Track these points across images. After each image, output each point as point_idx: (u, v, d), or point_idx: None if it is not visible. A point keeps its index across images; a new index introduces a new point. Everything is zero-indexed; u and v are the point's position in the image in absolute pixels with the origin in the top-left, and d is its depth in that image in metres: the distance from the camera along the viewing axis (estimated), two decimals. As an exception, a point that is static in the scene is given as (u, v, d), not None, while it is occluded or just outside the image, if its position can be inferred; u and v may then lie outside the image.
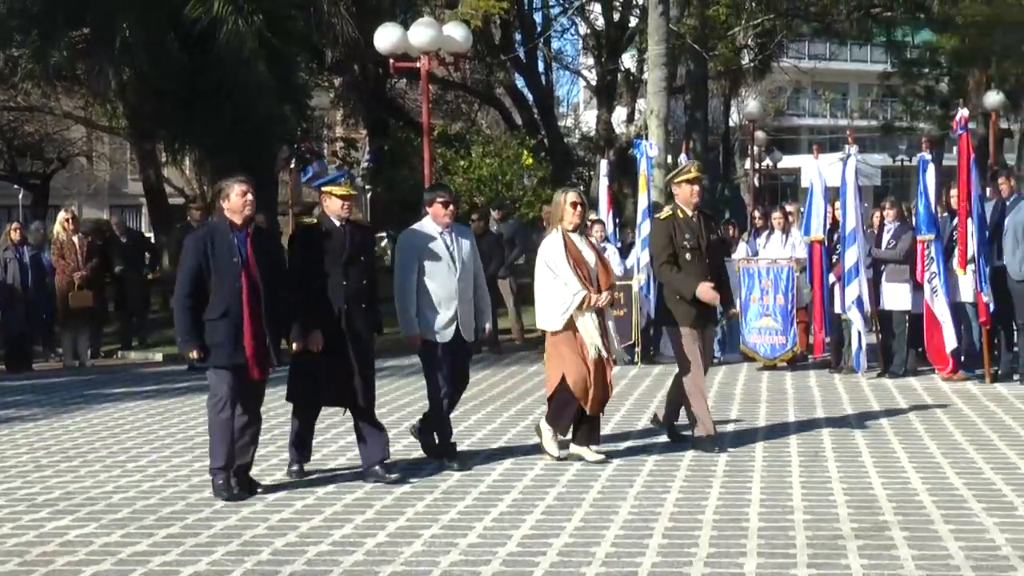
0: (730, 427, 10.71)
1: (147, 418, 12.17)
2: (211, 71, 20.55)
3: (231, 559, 6.75)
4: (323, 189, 8.91)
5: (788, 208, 16.18)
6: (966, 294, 13.25)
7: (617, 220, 19.70)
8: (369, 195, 35.61)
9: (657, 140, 19.13)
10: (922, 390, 12.80)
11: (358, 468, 8.92)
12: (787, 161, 53.29)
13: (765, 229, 16.01)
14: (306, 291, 8.51)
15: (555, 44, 36.00)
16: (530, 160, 27.16)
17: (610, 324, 9.41)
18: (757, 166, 37.43)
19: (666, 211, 9.84)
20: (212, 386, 8.28)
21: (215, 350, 8.14)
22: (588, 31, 33.58)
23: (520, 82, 32.96)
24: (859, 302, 13.63)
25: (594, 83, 34.47)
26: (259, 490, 8.43)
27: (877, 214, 14.46)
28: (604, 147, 29.28)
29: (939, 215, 13.68)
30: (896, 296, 13.88)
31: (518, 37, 31.44)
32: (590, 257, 9.24)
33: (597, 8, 32.58)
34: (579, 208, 9.21)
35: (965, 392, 12.62)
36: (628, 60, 33.76)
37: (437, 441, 9.37)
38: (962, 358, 13.48)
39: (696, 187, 9.70)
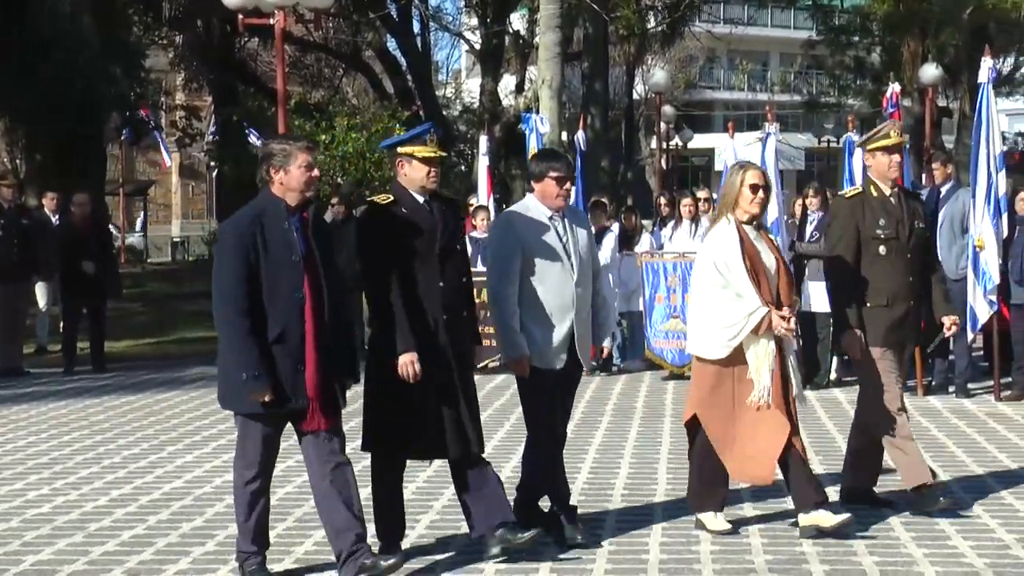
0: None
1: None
2: (24, 23, 20.15)
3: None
4: (399, 150, 7.25)
5: (699, 195, 16.32)
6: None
7: (504, 207, 19.72)
8: (215, 173, 35.29)
9: (549, 114, 19.25)
10: (847, 404, 12.97)
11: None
12: (698, 140, 53.98)
13: (672, 218, 16.16)
14: (387, 298, 7.08)
15: (433, 0, 36.00)
16: (403, 135, 27.12)
17: (791, 356, 7.96)
18: (664, 146, 37.83)
19: (854, 188, 8.86)
20: (243, 441, 6.85)
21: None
22: (471, -14, 33.67)
23: (392, 44, 32.91)
24: (777, 303, 13.78)
25: (478, 47, 34.54)
26: None
27: (799, 202, 14.70)
28: (489, 121, 29.34)
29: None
30: (821, 296, 14.03)
31: (390, -9, 31.39)
32: (770, 261, 7.91)
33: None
34: (760, 192, 7.88)
35: (895, 406, 12.85)
36: (517, 21, 33.91)
37: (551, 504, 7.93)
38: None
39: (897, 157, 8.57)
